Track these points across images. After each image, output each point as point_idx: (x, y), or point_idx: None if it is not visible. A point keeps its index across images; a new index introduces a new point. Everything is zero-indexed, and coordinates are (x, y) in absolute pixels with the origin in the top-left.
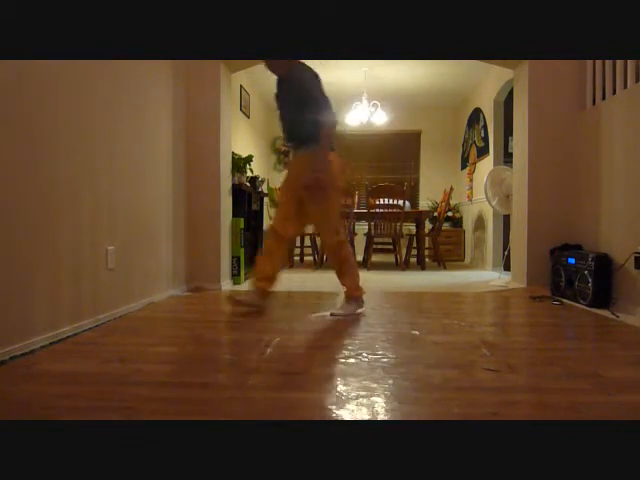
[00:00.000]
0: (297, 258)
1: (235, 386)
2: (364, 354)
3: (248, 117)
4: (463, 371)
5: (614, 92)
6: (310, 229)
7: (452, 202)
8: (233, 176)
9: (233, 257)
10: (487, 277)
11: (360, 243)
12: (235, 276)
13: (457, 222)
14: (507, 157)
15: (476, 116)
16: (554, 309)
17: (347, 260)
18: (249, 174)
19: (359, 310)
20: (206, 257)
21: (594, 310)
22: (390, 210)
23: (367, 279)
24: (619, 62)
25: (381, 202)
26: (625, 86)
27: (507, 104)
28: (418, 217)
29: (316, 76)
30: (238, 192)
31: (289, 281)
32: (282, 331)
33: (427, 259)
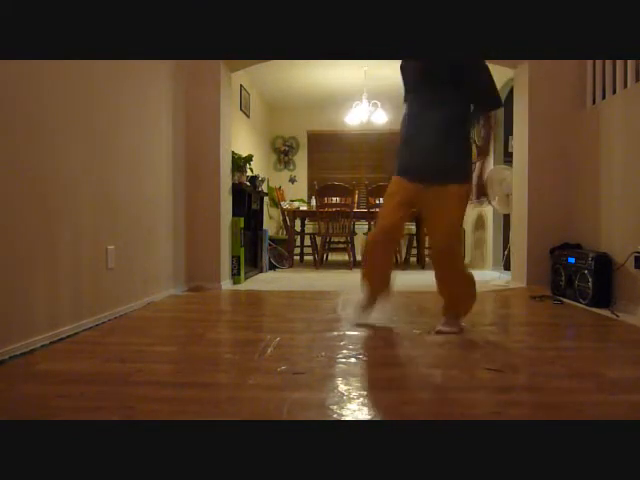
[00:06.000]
0: (297, 257)
1: (235, 386)
2: (365, 354)
3: (248, 117)
4: (464, 371)
5: (614, 92)
6: (310, 229)
7: None
8: (233, 175)
9: (233, 256)
10: (487, 277)
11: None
12: (235, 275)
13: None
14: (507, 156)
15: (476, 115)
16: (554, 308)
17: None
18: (249, 173)
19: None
20: (206, 256)
21: (594, 309)
22: None
23: None
24: (619, 62)
25: (381, 201)
26: (625, 86)
27: (507, 104)
28: (418, 216)
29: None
30: (238, 191)
31: (290, 281)
32: (282, 331)
33: (427, 258)
